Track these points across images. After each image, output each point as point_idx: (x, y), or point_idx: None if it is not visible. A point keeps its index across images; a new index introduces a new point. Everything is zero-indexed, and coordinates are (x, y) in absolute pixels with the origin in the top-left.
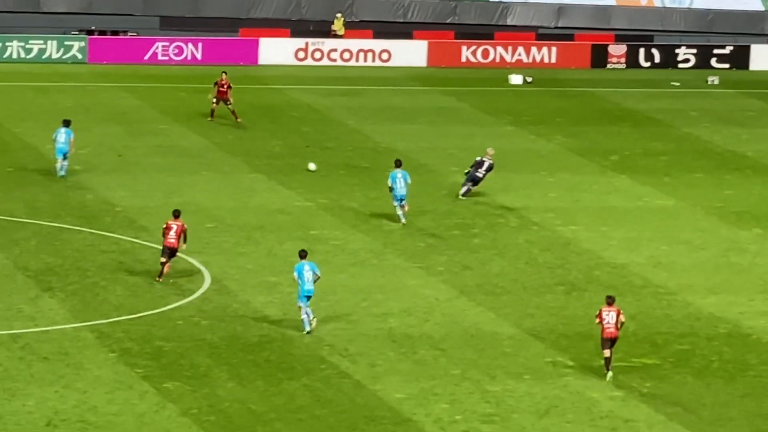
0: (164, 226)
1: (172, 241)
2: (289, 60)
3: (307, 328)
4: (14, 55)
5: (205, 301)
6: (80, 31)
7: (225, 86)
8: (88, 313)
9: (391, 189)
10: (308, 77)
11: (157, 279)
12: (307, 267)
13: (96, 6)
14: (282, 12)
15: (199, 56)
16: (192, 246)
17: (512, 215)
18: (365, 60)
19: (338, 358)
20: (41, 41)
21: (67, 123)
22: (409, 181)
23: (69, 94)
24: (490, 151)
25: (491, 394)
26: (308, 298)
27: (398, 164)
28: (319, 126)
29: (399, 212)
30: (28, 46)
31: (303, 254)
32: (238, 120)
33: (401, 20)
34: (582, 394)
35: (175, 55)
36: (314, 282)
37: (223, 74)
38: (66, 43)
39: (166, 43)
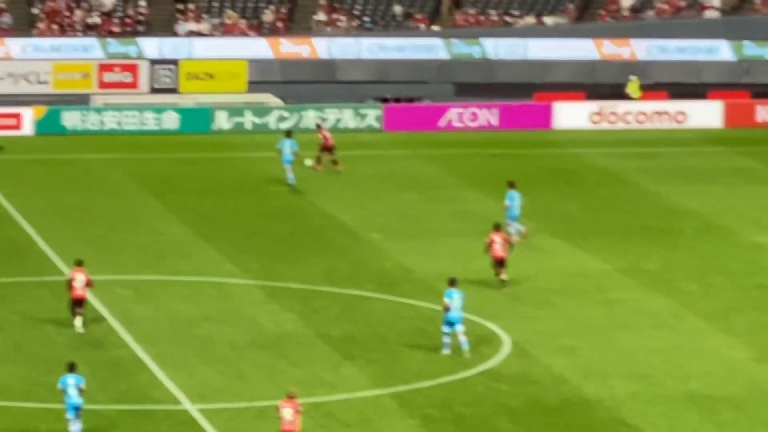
0: (488, 241)
1: (500, 253)
2: (584, 123)
3: (446, 351)
4: (311, 125)
5: (505, 366)
6: (375, 99)
7: (328, 136)
8: (389, 380)
9: (507, 208)
10: (603, 140)
11: (502, 287)
12: (456, 296)
13: (391, 74)
14: (576, 76)
15: (494, 122)
16: (491, 310)
17: None
18: (660, 122)
19: (639, 421)
20: (337, 110)
21: (289, 134)
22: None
23: (366, 162)
24: None
25: None
26: (452, 324)
27: (512, 185)
28: (616, 188)
29: (511, 230)
30: (324, 116)
31: (453, 282)
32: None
33: (695, 81)
34: None
35: (471, 121)
36: (461, 309)
37: (318, 125)
38: (362, 111)
39: (461, 110)
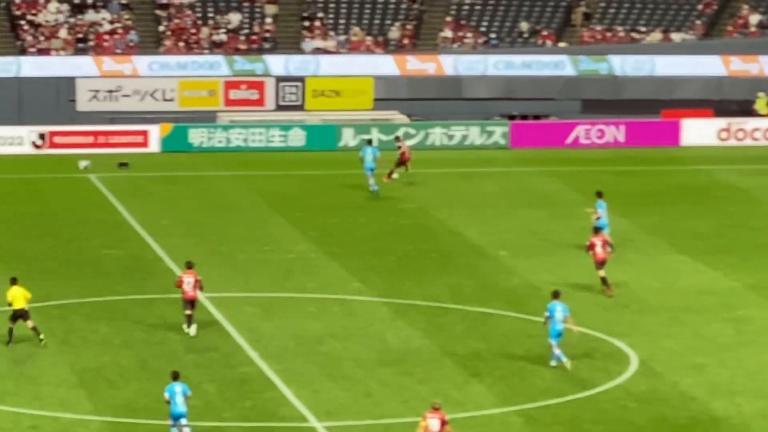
0: (587, 244)
1: (601, 256)
2: (712, 140)
3: (565, 361)
4: (437, 142)
5: (632, 384)
6: (502, 116)
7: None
8: (516, 398)
9: (598, 218)
10: (731, 157)
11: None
12: (559, 308)
13: (517, 91)
14: (703, 92)
15: (621, 139)
16: (618, 328)
17: None
18: None
19: None
20: (463, 127)
21: (370, 142)
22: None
23: (492, 179)
24: None
25: None
26: (559, 335)
27: (600, 195)
28: (744, 206)
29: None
30: (450, 133)
31: (556, 294)
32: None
33: None
34: None
35: (598, 138)
36: (563, 321)
37: (397, 137)
38: (488, 128)
39: (588, 126)
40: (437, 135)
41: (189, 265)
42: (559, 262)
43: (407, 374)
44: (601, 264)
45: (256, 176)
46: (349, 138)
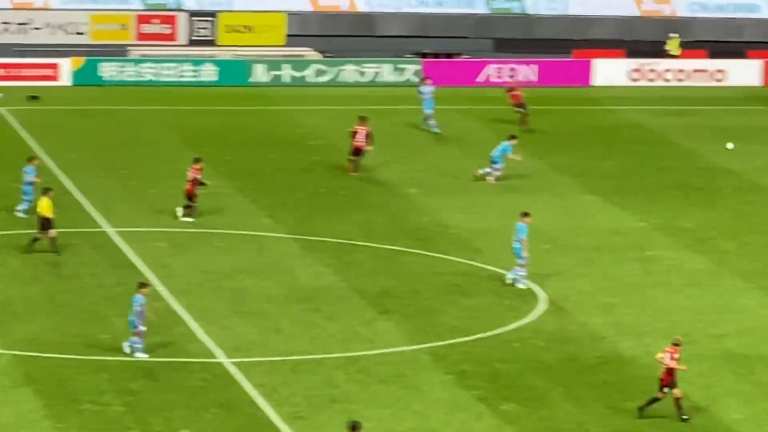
0: (351, 130)
1: (360, 143)
2: (623, 81)
3: (510, 279)
4: (349, 79)
5: (542, 323)
6: (414, 54)
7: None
8: (424, 336)
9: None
10: (642, 98)
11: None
12: (516, 227)
13: (429, 29)
14: (616, 33)
15: (533, 78)
16: (528, 267)
17: None
18: (699, 80)
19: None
20: (375, 65)
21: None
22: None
23: (404, 116)
24: None
25: None
26: (513, 253)
27: (511, 138)
28: (653, 146)
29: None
30: (362, 70)
31: (522, 214)
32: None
33: (735, 39)
34: None
35: (510, 76)
36: (515, 241)
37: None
38: (400, 66)
39: (500, 65)
40: (349, 72)
41: (196, 160)
42: (471, 200)
43: (316, 311)
44: (356, 151)
45: (168, 111)
46: (260, 74)
